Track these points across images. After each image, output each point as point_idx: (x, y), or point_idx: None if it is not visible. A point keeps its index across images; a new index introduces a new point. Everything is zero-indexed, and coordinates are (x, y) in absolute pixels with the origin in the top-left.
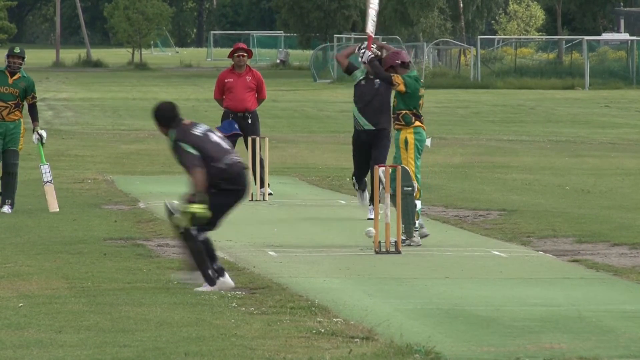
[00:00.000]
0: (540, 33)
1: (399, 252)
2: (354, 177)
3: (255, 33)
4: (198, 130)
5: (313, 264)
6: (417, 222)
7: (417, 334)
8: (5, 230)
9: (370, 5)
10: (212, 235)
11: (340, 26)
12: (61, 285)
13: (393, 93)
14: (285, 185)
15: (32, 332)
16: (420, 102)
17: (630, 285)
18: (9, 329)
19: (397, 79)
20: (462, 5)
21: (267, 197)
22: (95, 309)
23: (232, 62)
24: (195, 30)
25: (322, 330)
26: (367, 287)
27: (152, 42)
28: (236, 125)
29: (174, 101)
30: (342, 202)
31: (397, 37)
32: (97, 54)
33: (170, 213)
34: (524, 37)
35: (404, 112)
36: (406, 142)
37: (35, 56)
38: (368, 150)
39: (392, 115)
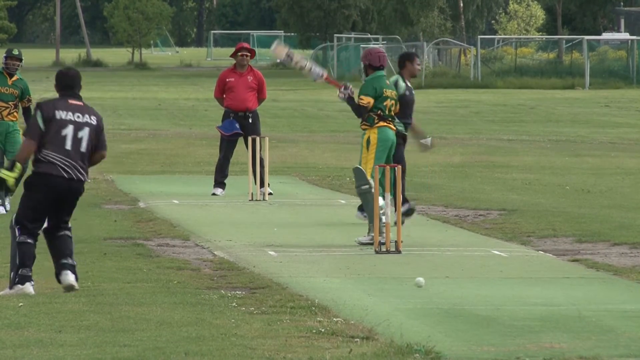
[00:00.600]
0: (541, 33)
1: (399, 252)
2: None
3: (256, 33)
4: (63, 113)
5: (313, 263)
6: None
7: (417, 334)
8: (5, 230)
9: (299, 65)
10: (212, 234)
11: (340, 26)
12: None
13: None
14: (285, 185)
15: (32, 331)
16: (387, 103)
17: (630, 285)
18: (9, 329)
19: (363, 100)
20: (462, 4)
21: (267, 197)
22: (95, 308)
23: (234, 61)
24: (195, 29)
25: (322, 330)
26: (367, 287)
27: (152, 42)
28: (237, 125)
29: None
30: (342, 201)
31: (397, 36)
32: (97, 53)
33: None
34: (524, 36)
35: (369, 114)
36: (368, 141)
37: (35, 56)
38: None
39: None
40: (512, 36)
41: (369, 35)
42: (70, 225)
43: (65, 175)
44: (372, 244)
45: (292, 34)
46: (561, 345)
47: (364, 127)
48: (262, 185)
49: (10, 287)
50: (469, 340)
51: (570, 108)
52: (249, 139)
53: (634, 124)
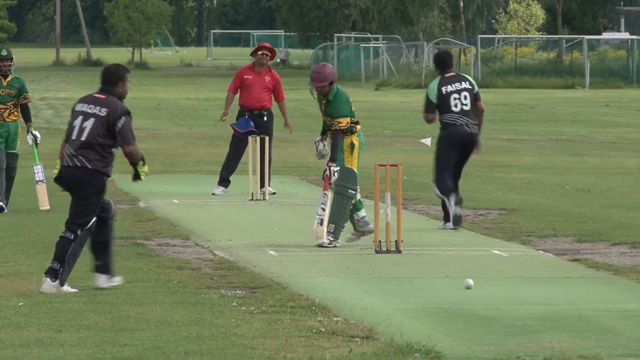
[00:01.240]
0: (541, 32)
1: (399, 252)
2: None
3: (256, 32)
4: (80, 105)
5: (313, 263)
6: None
7: (417, 333)
8: (6, 230)
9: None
10: (212, 234)
11: (340, 25)
12: None
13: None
14: (285, 185)
15: (32, 331)
16: (353, 108)
17: (630, 285)
18: (9, 328)
19: (342, 123)
20: (462, 4)
21: (267, 197)
22: (95, 308)
23: (254, 60)
24: (195, 29)
25: (323, 330)
26: (367, 286)
27: (152, 41)
28: (252, 123)
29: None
30: None
31: (398, 36)
32: (97, 53)
33: None
34: (524, 36)
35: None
36: (352, 145)
37: (35, 55)
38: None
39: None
40: (512, 36)
41: (369, 35)
42: (75, 227)
43: (65, 163)
44: (336, 246)
45: (292, 33)
46: (561, 344)
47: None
48: (262, 185)
49: (62, 284)
50: (469, 339)
51: (570, 108)
52: (257, 138)
53: (634, 123)
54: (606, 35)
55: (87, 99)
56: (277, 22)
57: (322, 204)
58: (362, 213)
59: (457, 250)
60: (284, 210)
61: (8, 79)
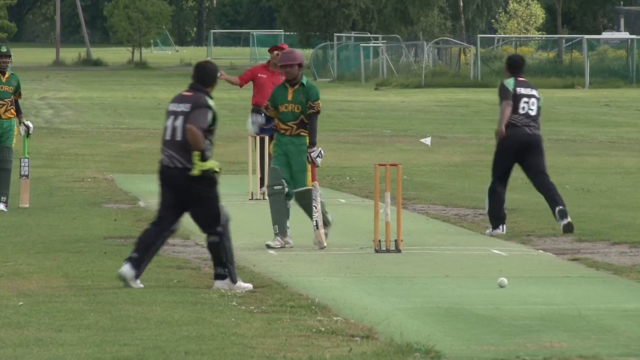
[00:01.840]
0: (540, 32)
1: (399, 251)
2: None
3: (256, 32)
4: (170, 105)
5: (313, 262)
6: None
7: (417, 333)
8: (5, 229)
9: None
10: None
11: (340, 25)
12: (61, 284)
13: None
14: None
15: (32, 330)
16: None
17: (630, 284)
18: (9, 328)
19: (319, 106)
20: (462, 4)
21: (267, 196)
22: (95, 307)
23: (269, 59)
24: (195, 29)
25: (322, 329)
26: (367, 286)
27: (152, 41)
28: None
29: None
30: (342, 200)
31: (397, 36)
32: (97, 52)
33: None
34: (524, 36)
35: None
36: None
37: (35, 55)
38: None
39: (297, 122)
40: (512, 35)
41: (369, 35)
42: (212, 227)
43: (165, 163)
44: (283, 247)
45: (292, 33)
46: (561, 344)
47: (304, 133)
48: (262, 185)
49: (234, 281)
50: (469, 339)
51: (570, 107)
52: (257, 138)
53: (634, 123)
54: (606, 35)
55: (177, 98)
56: (277, 21)
57: (313, 199)
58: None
59: (457, 249)
60: None
61: (6, 75)
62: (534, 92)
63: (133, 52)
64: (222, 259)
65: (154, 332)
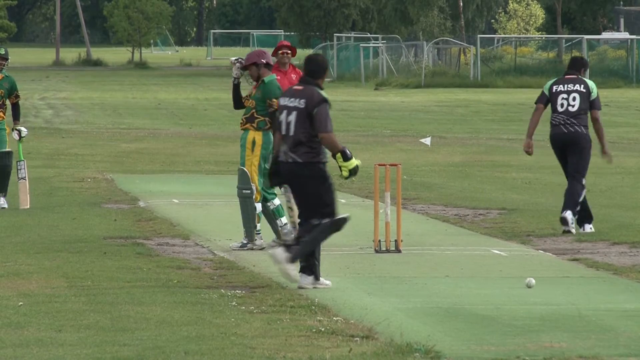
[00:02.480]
0: (540, 32)
1: (399, 251)
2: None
3: (255, 32)
4: (283, 99)
5: None
6: (258, 225)
7: (417, 333)
8: (5, 229)
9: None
10: (212, 234)
11: (340, 25)
12: (61, 284)
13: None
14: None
15: (32, 331)
16: None
17: (630, 284)
18: (9, 328)
19: (275, 104)
20: (462, 4)
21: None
22: (95, 307)
23: (276, 60)
24: (195, 29)
25: (322, 329)
26: (367, 286)
27: (152, 41)
28: None
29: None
30: (342, 200)
31: (397, 35)
32: (97, 53)
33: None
34: (523, 36)
35: (261, 118)
36: (254, 142)
37: (35, 55)
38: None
39: (247, 116)
40: (512, 35)
41: (369, 35)
42: (317, 217)
43: (281, 159)
44: (254, 249)
45: (292, 33)
46: (561, 344)
47: (251, 128)
48: None
49: (317, 278)
50: (468, 339)
51: None
52: None
53: (634, 123)
54: (606, 35)
55: (288, 92)
56: (277, 22)
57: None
58: (284, 220)
59: (457, 249)
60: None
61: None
62: (577, 87)
63: (133, 52)
64: (309, 246)
65: (153, 333)
